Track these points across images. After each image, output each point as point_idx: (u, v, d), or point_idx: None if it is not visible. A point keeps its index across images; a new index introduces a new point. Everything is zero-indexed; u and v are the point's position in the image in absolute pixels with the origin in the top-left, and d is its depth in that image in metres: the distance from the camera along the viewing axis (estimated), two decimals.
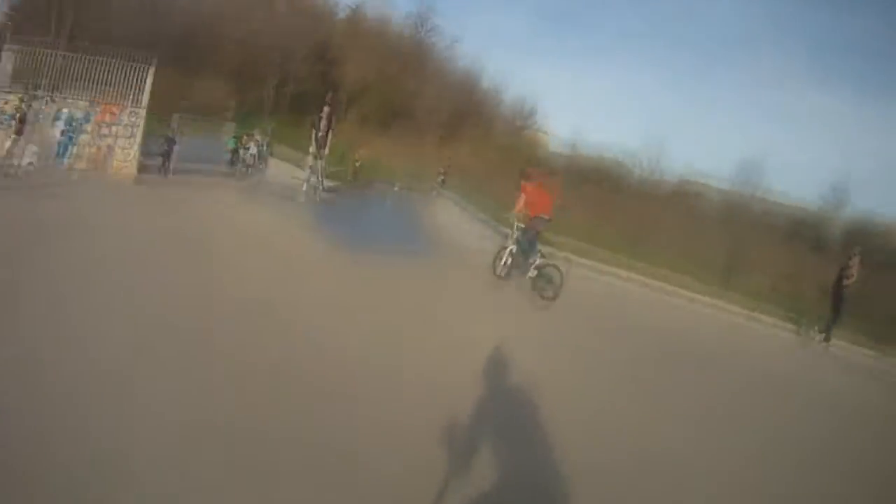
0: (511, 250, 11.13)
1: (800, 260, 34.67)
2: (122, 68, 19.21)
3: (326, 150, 14.56)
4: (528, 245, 11.07)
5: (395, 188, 20.52)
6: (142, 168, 19.91)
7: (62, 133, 18.35)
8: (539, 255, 11.13)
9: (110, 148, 19.05)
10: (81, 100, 18.60)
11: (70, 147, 18.50)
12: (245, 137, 33.76)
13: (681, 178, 61.56)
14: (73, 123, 18.51)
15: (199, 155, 25.64)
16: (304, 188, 14.67)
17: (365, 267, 11.55)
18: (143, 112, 19.62)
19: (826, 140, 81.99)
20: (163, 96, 29.78)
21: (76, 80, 18.75)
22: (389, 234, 15.18)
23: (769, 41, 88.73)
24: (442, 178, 26.78)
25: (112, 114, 19.11)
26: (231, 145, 27.07)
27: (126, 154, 19.38)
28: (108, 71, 19.06)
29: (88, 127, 18.72)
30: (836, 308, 14.40)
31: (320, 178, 14.83)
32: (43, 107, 17.97)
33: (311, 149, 14.03)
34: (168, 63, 44.03)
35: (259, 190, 16.79)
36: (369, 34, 68.75)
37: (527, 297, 11.36)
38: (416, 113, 66.23)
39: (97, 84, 18.92)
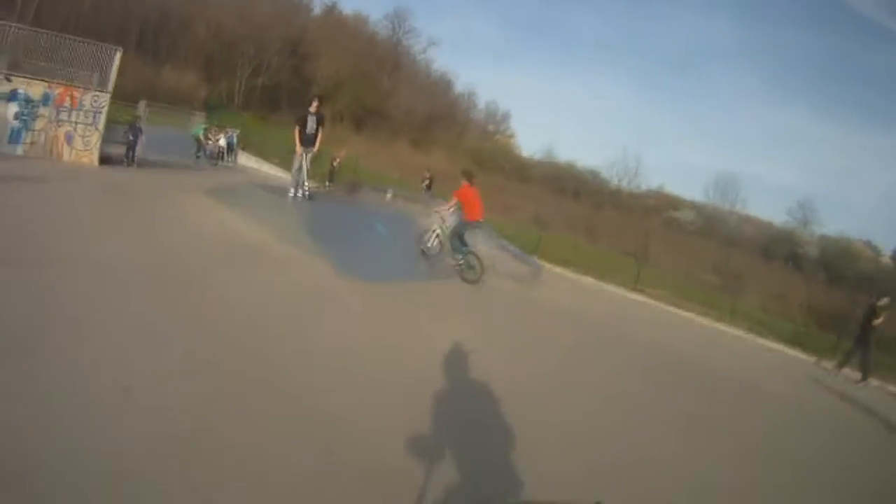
0: (437, 233, 12.57)
1: (782, 278, 34.73)
2: (88, 50, 17.87)
3: (315, 149, 13.33)
4: (459, 242, 12.03)
5: (388, 195, 18.88)
6: (104, 158, 18.57)
7: (16, 116, 16.84)
8: (467, 249, 12.12)
9: (69, 135, 17.68)
10: (40, 80, 17.17)
11: (24, 132, 17.04)
12: (215, 129, 33.11)
13: (658, 189, 63.20)
14: (30, 106, 17.03)
15: (167, 145, 24.31)
16: (291, 192, 13.39)
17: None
18: (107, 97, 18.27)
19: (794, 158, 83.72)
20: (129, 82, 28.78)
21: (36, 58, 17.36)
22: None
23: (742, 58, 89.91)
24: (427, 183, 25.83)
25: (73, 98, 17.71)
26: (198, 133, 25.45)
27: (87, 142, 18.03)
28: (72, 52, 17.67)
29: (46, 111, 17.28)
30: (864, 348, 14.15)
31: (304, 179, 13.60)
32: None
33: (298, 147, 12.76)
34: (137, 49, 43.80)
35: (236, 188, 15.37)
36: (345, 31, 67.63)
37: None
38: (389, 113, 65.36)
39: (59, 64, 17.51)
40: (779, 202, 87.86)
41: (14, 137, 16.94)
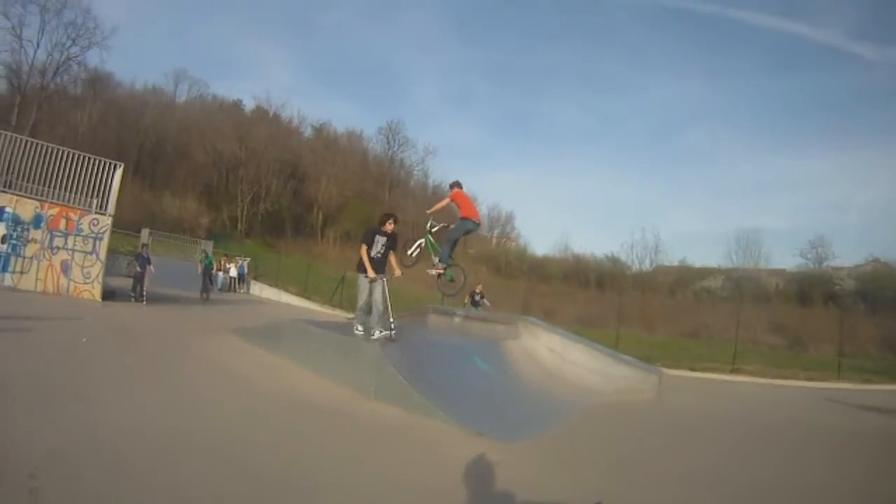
0: (420, 244, 11.59)
1: (829, 319, 32.70)
2: (85, 167, 15.01)
3: (397, 274, 9.83)
4: (449, 249, 11.36)
5: (457, 319, 15.14)
6: (108, 292, 15.35)
7: (3, 239, 13.78)
8: (450, 258, 11.40)
9: (66, 265, 14.39)
10: (31, 198, 14.08)
11: (13, 259, 13.89)
12: (225, 258, 31.01)
13: (681, 263, 61.55)
14: (20, 228, 13.95)
15: (174, 277, 20.96)
16: (359, 328, 9.79)
17: None
18: (108, 220, 15.16)
19: (797, 202, 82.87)
20: (128, 209, 26.06)
21: (28, 173, 14.43)
22: None
23: (723, 114, 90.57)
24: (479, 296, 22.48)
25: (69, 220, 14.62)
26: (206, 264, 21.79)
27: (87, 273, 14.74)
28: (69, 168, 14.81)
29: (39, 234, 14.11)
30: None
31: (379, 313, 9.92)
32: None
33: (370, 272, 9.18)
34: (134, 174, 41.76)
35: (275, 326, 11.72)
36: (340, 149, 66.99)
37: None
38: (398, 228, 62.81)
39: (54, 182, 14.54)
40: (790, 247, 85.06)
41: (1, 266, 13.87)
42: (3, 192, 13.90)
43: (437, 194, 73.65)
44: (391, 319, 10.16)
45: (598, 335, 19.58)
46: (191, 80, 62.54)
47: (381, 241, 9.63)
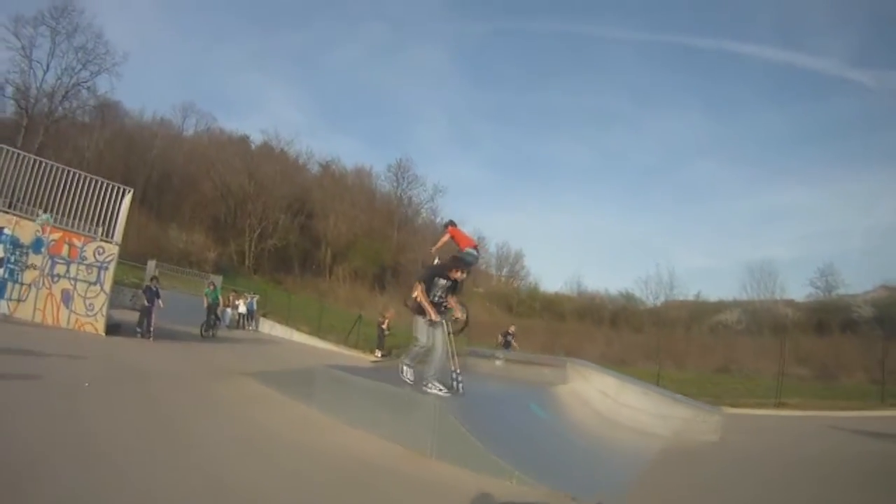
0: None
1: (850, 347, 33.63)
2: (92, 190, 13.82)
3: (460, 316, 8.48)
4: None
5: (499, 361, 13.80)
6: (112, 327, 14.07)
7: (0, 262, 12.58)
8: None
9: (67, 294, 13.07)
10: (31, 219, 12.90)
11: (9, 286, 12.63)
12: (233, 294, 29.69)
13: (696, 298, 60.59)
14: (18, 252, 12.73)
15: (180, 312, 19.44)
16: (406, 372, 8.46)
17: None
18: (114, 249, 13.96)
19: (802, 231, 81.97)
20: (134, 240, 24.84)
21: (31, 194, 13.27)
22: None
23: (725, 146, 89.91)
24: (510, 337, 21.30)
25: (72, 246, 13.41)
26: (212, 298, 19.81)
27: (90, 305, 13.46)
28: (74, 190, 13.62)
29: (38, 260, 12.88)
30: None
31: (446, 367, 8.55)
32: None
33: (431, 313, 7.78)
34: (140, 205, 40.62)
35: (311, 375, 10.20)
36: (348, 186, 66.51)
37: None
38: (405, 268, 61.90)
39: (57, 205, 13.31)
40: (798, 277, 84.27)
41: None
42: (4, 212, 12.67)
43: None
44: (456, 371, 8.84)
45: (633, 375, 18.63)
46: (198, 114, 62.18)
47: (440, 283, 8.37)
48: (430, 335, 8.22)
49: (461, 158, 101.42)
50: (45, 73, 46.64)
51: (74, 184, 13.60)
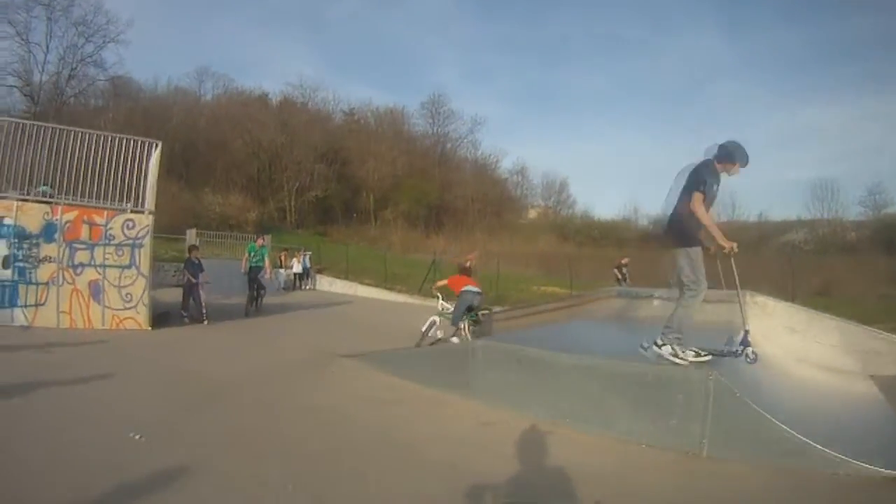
0: (433, 321, 11.82)
1: None
2: (107, 150, 11.36)
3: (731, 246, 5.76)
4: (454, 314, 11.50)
5: (656, 301, 11.30)
6: (158, 316, 11.96)
7: (6, 263, 10.35)
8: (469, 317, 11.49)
9: (96, 286, 10.89)
10: (35, 200, 10.72)
11: (23, 289, 10.45)
12: (284, 253, 27.90)
13: (760, 218, 58.85)
14: (26, 244, 10.49)
15: (226, 281, 17.16)
16: (667, 344, 5.82)
17: None
18: (148, 220, 11.59)
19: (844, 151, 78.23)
20: (166, 212, 22.87)
21: (32, 168, 11.05)
22: None
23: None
24: (625, 271, 19.54)
25: (93, 224, 11.08)
26: (254, 263, 15.38)
27: (127, 295, 11.24)
28: (86, 152, 11.24)
29: (53, 250, 10.67)
30: None
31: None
32: None
33: (711, 245, 5.12)
34: (170, 176, 38.88)
35: (470, 353, 7.57)
36: (383, 129, 63.87)
37: None
38: (453, 206, 59.60)
39: (68, 175, 11.03)
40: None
41: (8, 299, 10.39)
42: (3, 198, 10.46)
43: (487, 165, 71.08)
44: (746, 328, 6.46)
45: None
46: (215, 77, 59.44)
47: (715, 187, 6.01)
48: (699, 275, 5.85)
49: (488, 95, 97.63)
50: (45, 54, 44.55)
51: (85, 147, 11.25)
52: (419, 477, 4.54)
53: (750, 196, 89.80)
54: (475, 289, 11.55)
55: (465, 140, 69.43)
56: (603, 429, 5.57)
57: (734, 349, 6.24)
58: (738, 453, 4.85)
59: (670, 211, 6.01)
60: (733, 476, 4.59)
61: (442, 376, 7.21)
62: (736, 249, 5.81)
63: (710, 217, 5.66)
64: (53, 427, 5.15)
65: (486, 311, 12.12)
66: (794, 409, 5.60)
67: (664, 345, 5.91)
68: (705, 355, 5.89)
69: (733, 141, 5.96)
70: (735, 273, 6.21)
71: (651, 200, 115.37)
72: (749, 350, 6.16)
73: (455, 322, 11.38)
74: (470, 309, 11.47)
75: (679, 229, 5.83)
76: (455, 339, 11.14)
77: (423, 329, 11.56)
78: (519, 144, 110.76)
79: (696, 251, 5.80)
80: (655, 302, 10.90)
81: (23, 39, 43.29)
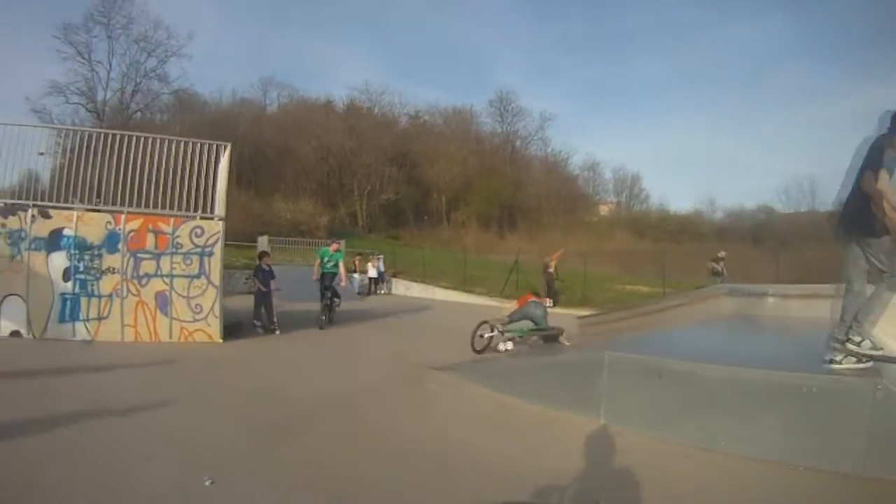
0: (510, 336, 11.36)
1: None
2: (174, 155, 10.78)
3: None
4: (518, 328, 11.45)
5: (770, 297, 10.42)
6: (230, 328, 11.25)
7: (66, 275, 9.87)
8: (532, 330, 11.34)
9: (164, 298, 10.28)
10: (96, 210, 10.23)
11: (85, 301, 9.95)
12: (358, 258, 27.26)
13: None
14: (87, 256, 9.98)
15: (296, 288, 16.37)
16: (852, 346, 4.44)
17: None
18: (218, 226, 10.90)
19: None
20: (237, 220, 22.72)
21: (93, 177, 10.46)
22: None
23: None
24: (721, 265, 18.73)
25: (160, 233, 10.48)
26: (327, 269, 13.43)
27: (197, 306, 10.61)
28: (153, 159, 10.71)
29: (116, 261, 10.09)
30: None
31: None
32: (26, 225, 9.72)
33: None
34: (239, 185, 39.38)
35: (607, 370, 6.41)
36: (451, 129, 63.23)
37: None
38: (526, 205, 58.50)
39: (132, 183, 10.45)
40: None
41: (69, 313, 9.87)
42: (60, 208, 9.93)
43: (557, 162, 69.76)
44: None
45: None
46: (279, 86, 60.05)
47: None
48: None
49: (554, 92, 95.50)
50: (108, 72, 46.08)
51: (151, 154, 10.74)
52: None
53: (826, 183, 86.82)
54: (539, 302, 11.67)
55: (535, 137, 68.43)
56: (758, 451, 4.72)
57: None
58: None
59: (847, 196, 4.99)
60: None
61: (561, 393, 6.25)
62: None
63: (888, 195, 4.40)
64: (108, 469, 4.31)
65: (555, 330, 11.33)
66: None
67: (862, 340, 4.77)
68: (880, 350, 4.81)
69: None
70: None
71: (725, 192, 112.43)
72: None
73: (511, 329, 11.23)
74: (532, 321, 11.34)
75: (868, 213, 4.62)
76: (510, 345, 10.98)
77: (481, 335, 11.07)
78: (588, 140, 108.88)
79: (880, 243, 4.69)
80: (770, 299, 9.76)
81: (84, 59, 45.02)
